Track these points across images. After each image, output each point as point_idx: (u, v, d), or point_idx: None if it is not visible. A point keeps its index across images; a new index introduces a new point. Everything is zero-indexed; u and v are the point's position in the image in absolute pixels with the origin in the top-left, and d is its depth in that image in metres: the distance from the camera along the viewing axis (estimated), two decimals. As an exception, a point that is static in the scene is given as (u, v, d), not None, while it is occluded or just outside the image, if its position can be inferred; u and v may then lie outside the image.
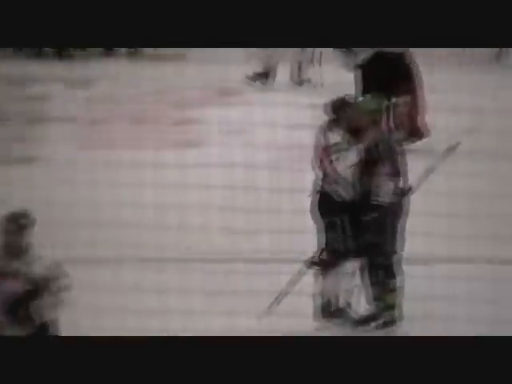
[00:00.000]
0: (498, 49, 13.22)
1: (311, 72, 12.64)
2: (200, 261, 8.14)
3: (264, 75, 12.55)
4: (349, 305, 7.35)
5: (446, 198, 7.68)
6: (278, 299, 7.43)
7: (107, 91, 11.55)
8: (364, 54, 11.25)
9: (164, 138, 10.60)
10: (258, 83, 12.49)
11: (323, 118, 7.85)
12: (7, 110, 11.69)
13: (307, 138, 8.21)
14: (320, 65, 12.46)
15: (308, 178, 7.44)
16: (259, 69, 12.66)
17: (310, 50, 12.60)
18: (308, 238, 7.39)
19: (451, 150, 7.52)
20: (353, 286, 7.33)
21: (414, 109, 10.96)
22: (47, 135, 11.21)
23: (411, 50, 11.47)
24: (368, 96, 8.00)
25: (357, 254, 7.10)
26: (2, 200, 7.74)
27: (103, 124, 10.63)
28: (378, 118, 7.62)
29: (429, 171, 7.41)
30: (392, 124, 10.64)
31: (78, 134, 10.79)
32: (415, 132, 10.82)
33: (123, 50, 12.61)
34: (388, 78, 10.86)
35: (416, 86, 11.09)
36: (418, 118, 11.03)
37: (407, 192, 7.19)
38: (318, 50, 12.44)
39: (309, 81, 12.63)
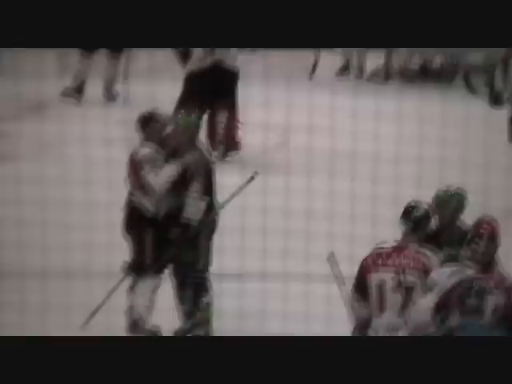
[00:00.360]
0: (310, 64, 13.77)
1: (121, 86, 12.43)
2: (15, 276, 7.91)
3: (77, 90, 12.42)
4: (143, 320, 7.19)
5: (260, 214, 7.68)
6: (92, 314, 7.22)
7: None
8: (197, 62, 11.12)
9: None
10: (71, 98, 12.29)
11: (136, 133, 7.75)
12: None
13: (120, 153, 8.14)
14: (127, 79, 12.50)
15: (122, 192, 7.36)
16: (72, 84, 12.51)
17: (121, 64, 12.70)
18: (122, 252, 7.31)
19: (252, 178, 7.50)
20: (151, 302, 7.22)
21: (232, 124, 11.12)
22: None
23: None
24: (184, 112, 7.97)
25: (157, 270, 7.04)
26: None
27: None
28: (193, 135, 7.52)
29: (235, 194, 7.49)
30: (208, 139, 10.86)
31: None
32: (233, 146, 11.05)
33: None
34: (211, 91, 10.94)
35: (235, 102, 11.18)
36: (236, 132, 11.17)
37: (217, 209, 7.25)
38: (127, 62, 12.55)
39: (119, 95, 12.56)
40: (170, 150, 7.26)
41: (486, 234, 5.19)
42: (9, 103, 11.44)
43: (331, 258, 6.33)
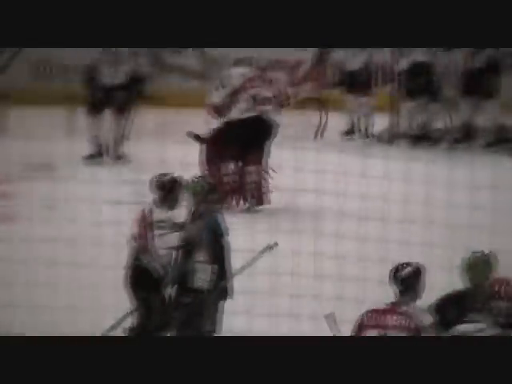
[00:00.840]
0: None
1: (127, 147, 12.80)
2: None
3: (98, 154, 12.84)
4: None
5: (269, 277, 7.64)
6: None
7: None
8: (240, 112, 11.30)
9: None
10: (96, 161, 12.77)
11: (144, 194, 8.00)
12: None
13: (127, 214, 8.25)
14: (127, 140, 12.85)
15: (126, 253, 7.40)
16: (92, 149, 12.92)
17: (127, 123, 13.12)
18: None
19: (269, 248, 7.44)
20: None
21: (262, 177, 11.26)
22: None
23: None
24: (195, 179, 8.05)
25: (164, 331, 7.08)
26: None
27: None
28: (199, 200, 7.41)
29: (248, 265, 7.43)
30: (237, 191, 11.34)
31: None
32: (262, 200, 11.20)
33: None
34: (246, 142, 11.19)
35: (264, 156, 11.33)
36: (265, 186, 11.30)
37: (229, 277, 7.21)
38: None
39: (125, 156, 12.83)
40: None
41: (506, 295, 5.34)
42: (17, 164, 11.60)
43: (330, 317, 6.24)
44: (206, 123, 11.50)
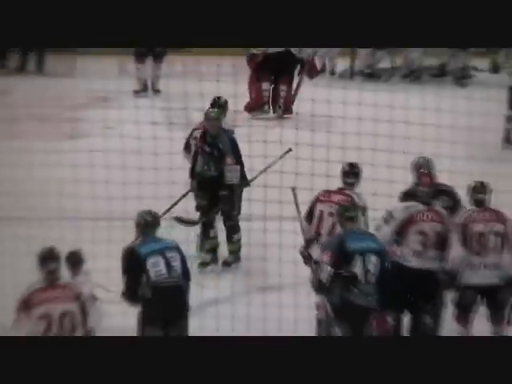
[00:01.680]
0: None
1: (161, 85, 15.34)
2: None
3: (143, 89, 15.61)
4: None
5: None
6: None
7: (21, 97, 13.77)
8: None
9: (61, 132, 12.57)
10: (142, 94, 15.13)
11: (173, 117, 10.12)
12: None
13: (161, 131, 10.05)
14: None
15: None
16: (139, 86, 15.52)
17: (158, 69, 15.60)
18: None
19: (286, 153, 8.92)
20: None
21: (290, 94, 14.43)
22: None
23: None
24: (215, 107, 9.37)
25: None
26: None
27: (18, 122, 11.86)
28: (219, 123, 8.94)
29: (265, 168, 9.04)
30: (271, 104, 14.44)
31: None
32: (289, 110, 14.29)
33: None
34: (279, 69, 14.32)
35: (292, 79, 14.53)
36: (291, 100, 14.33)
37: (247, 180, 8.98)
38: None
39: (160, 91, 15.72)
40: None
41: (427, 183, 6.80)
42: (82, 96, 14.50)
43: (294, 191, 7.34)
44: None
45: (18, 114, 12.11)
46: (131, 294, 5.86)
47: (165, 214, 8.37)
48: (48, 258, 5.16)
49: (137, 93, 15.41)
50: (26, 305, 4.92)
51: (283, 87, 14.44)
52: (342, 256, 6.01)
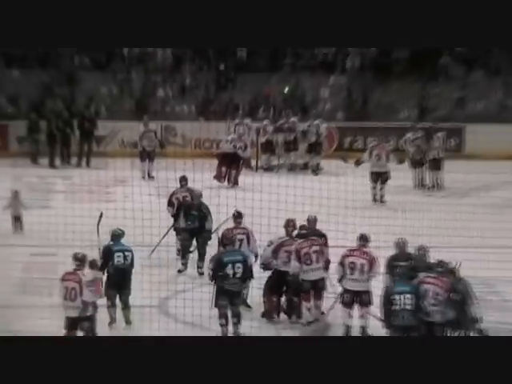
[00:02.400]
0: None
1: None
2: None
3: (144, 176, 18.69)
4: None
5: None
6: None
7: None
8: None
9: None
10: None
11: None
12: None
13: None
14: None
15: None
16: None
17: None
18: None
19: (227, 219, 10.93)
20: None
21: (236, 175, 17.98)
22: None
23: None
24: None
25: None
26: None
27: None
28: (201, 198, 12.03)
29: (219, 226, 10.90)
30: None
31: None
32: (236, 184, 17.54)
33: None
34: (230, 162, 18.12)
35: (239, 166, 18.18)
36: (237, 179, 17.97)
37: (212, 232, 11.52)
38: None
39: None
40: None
41: (292, 226, 9.84)
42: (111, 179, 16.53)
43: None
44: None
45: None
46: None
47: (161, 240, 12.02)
48: (74, 258, 8.68)
49: (142, 177, 18.76)
50: (61, 279, 8.50)
51: (233, 170, 18.69)
52: (219, 265, 9.44)
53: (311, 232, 10.59)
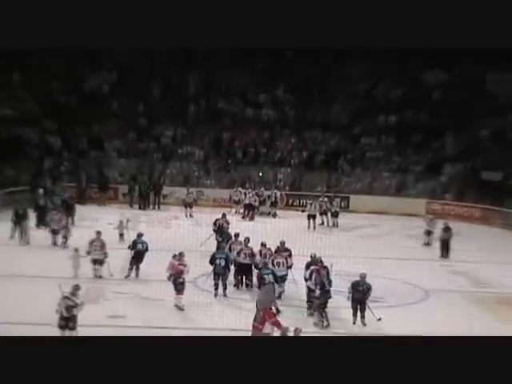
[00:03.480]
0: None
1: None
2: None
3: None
4: None
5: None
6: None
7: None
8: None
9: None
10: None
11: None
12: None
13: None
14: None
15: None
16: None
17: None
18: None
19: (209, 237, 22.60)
20: None
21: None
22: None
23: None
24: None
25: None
26: None
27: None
28: None
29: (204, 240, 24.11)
30: None
31: None
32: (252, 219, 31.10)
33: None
34: None
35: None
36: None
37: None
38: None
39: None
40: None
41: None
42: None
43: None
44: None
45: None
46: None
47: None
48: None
49: (185, 216, 32.45)
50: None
51: (251, 212, 31.74)
52: (213, 258, 17.99)
53: (282, 249, 18.52)
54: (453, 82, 40.37)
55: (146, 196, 35.17)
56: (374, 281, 19.42)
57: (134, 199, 35.26)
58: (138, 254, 19.21)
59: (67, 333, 13.87)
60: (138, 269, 18.93)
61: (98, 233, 20.81)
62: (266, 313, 13.57)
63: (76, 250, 19.47)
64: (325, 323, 15.84)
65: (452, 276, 24.02)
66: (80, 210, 29.76)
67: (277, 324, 13.34)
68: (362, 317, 16.17)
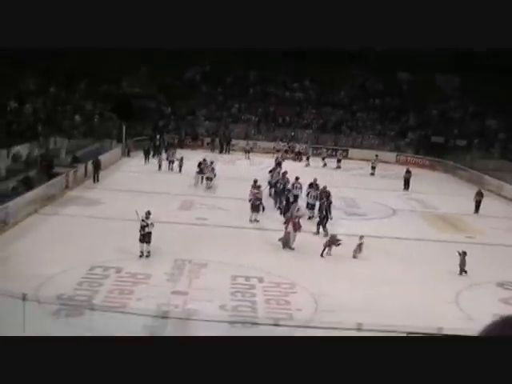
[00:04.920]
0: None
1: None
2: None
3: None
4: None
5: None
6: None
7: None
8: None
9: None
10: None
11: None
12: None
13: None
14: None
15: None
16: None
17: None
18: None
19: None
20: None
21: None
22: None
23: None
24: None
25: None
26: None
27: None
28: None
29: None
30: None
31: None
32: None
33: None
34: None
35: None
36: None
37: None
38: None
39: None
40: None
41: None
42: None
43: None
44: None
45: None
46: None
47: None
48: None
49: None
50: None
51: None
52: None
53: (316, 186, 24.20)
54: (415, 79, 54.04)
55: (221, 145, 47.26)
56: (360, 202, 29.20)
57: (214, 147, 47.05)
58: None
59: (145, 246, 18.60)
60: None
61: (204, 160, 31.46)
62: (291, 220, 20.70)
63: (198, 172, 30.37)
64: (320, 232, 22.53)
65: (410, 201, 31.65)
66: (179, 153, 38.77)
67: (296, 226, 20.58)
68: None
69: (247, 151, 45.22)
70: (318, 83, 55.68)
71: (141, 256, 18.37)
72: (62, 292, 15.23)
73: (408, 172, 35.98)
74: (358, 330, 12.16)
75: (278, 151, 45.24)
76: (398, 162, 47.22)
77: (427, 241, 22.84)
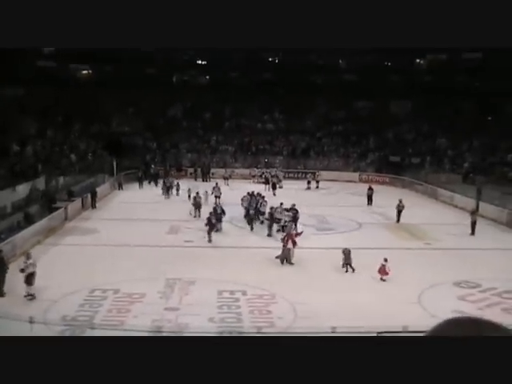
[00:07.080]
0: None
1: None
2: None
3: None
4: None
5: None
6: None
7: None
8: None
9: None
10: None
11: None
12: None
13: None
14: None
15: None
16: None
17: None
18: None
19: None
20: None
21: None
22: None
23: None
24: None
25: None
26: None
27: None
28: None
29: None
30: None
31: None
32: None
33: None
34: None
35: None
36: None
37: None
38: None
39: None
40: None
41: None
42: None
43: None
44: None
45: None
46: None
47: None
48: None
49: None
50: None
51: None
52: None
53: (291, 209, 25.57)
54: (373, 106, 55.25)
55: (203, 174, 47.78)
56: (329, 218, 29.40)
57: (197, 176, 47.82)
58: (197, 204, 29.98)
59: (29, 288, 16.91)
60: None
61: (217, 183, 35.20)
62: (289, 235, 21.23)
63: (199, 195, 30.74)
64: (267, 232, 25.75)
65: (373, 215, 32.03)
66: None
67: (293, 241, 20.97)
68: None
69: (226, 178, 45.88)
70: (286, 114, 56.42)
71: (25, 296, 16.72)
72: (66, 314, 15.48)
73: (370, 189, 36.35)
74: (333, 332, 12.52)
75: (253, 177, 46.38)
76: (360, 180, 47.89)
77: (391, 249, 23.26)
